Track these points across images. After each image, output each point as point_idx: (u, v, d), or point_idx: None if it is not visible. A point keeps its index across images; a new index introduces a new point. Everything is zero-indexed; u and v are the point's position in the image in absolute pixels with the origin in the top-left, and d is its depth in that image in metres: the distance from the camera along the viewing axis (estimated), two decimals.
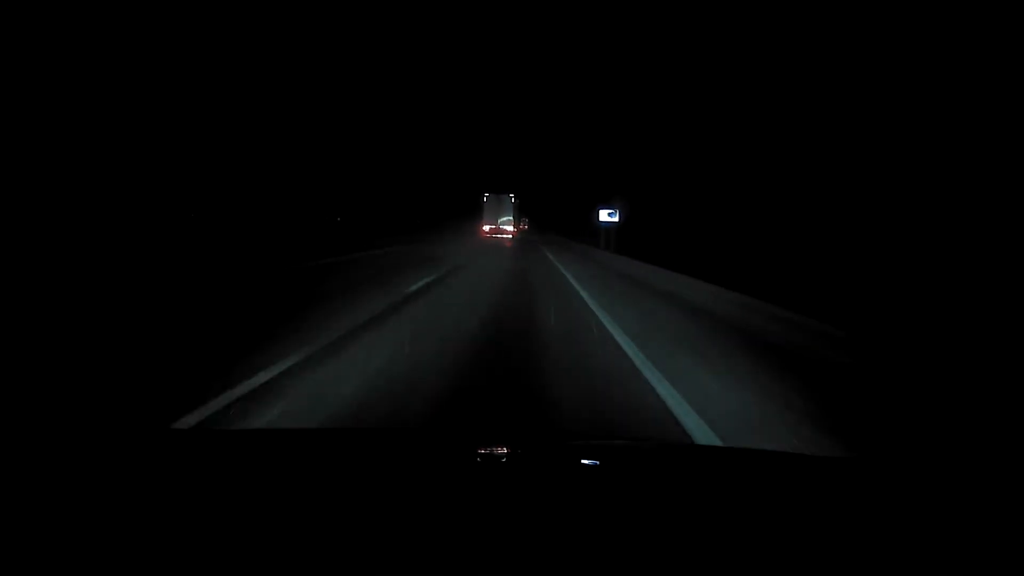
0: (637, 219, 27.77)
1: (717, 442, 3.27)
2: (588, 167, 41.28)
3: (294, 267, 12.63)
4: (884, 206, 12.29)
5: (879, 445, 3.34)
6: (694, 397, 4.09)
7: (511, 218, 31.83)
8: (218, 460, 1.18)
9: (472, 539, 0.84)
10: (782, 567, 0.81)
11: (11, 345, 4.89)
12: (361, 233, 22.89)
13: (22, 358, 4.53)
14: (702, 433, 3.40)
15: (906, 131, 11.55)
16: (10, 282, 8.40)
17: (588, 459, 1.36)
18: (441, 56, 46.57)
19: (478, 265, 15.67)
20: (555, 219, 46.74)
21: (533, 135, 67.24)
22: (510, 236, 30.49)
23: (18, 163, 11.30)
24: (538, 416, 3.71)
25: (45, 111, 11.93)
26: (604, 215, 27.00)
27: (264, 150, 20.12)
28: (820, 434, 3.48)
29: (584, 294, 9.94)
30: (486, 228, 30.75)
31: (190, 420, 3.24)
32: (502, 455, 1.37)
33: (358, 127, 30.18)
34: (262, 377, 4.10)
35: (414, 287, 9.75)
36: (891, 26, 11.80)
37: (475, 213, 33.83)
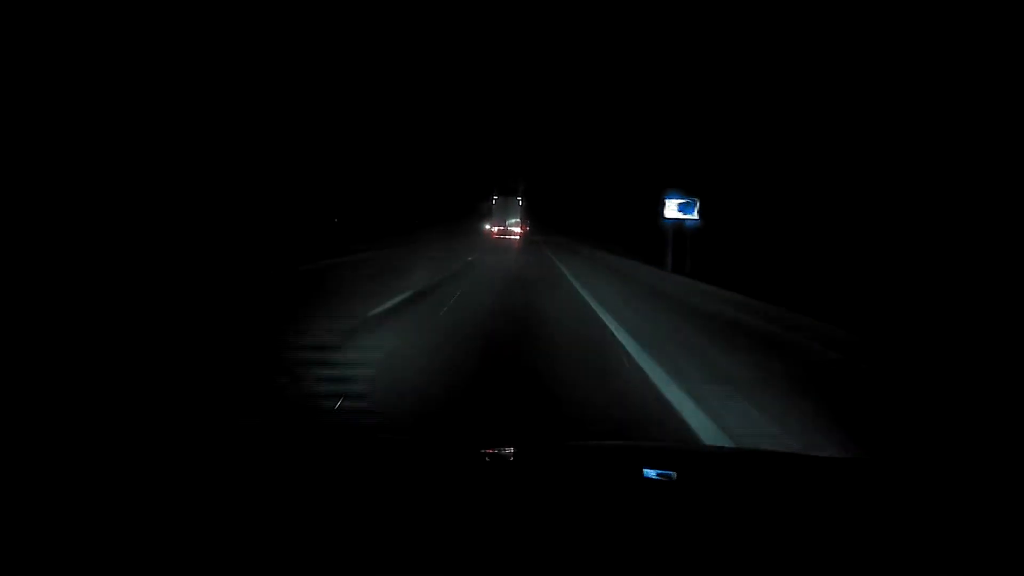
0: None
1: None
2: (597, 162, 38.66)
3: None
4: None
5: (879, 446, 3.20)
6: None
7: (518, 220, 32.44)
8: (225, 460, 1.18)
9: (478, 541, 0.84)
10: (785, 567, 0.82)
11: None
12: (335, 237, 19.20)
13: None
14: None
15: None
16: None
17: (592, 460, 1.35)
18: (441, 50, 47.70)
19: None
20: (563, 219, 42.34)
21: (540, 127, 62.76)
22: (517, 237, 31.48)
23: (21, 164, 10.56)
24: None
25: (44, 111, 11.21)
26: (672, 209, 16.46)
27: (259, 147, 19.38)
28: None
29: None
30: (495, 229, 32.00)
31: None
32: (507, 456, 1.38)
33: (357, 124, 30.70)
34: None
35: None
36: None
37: (476, 212, 34.04)
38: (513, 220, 32.61)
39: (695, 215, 16.16)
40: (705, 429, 3.41)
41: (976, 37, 10.78)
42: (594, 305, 8.67)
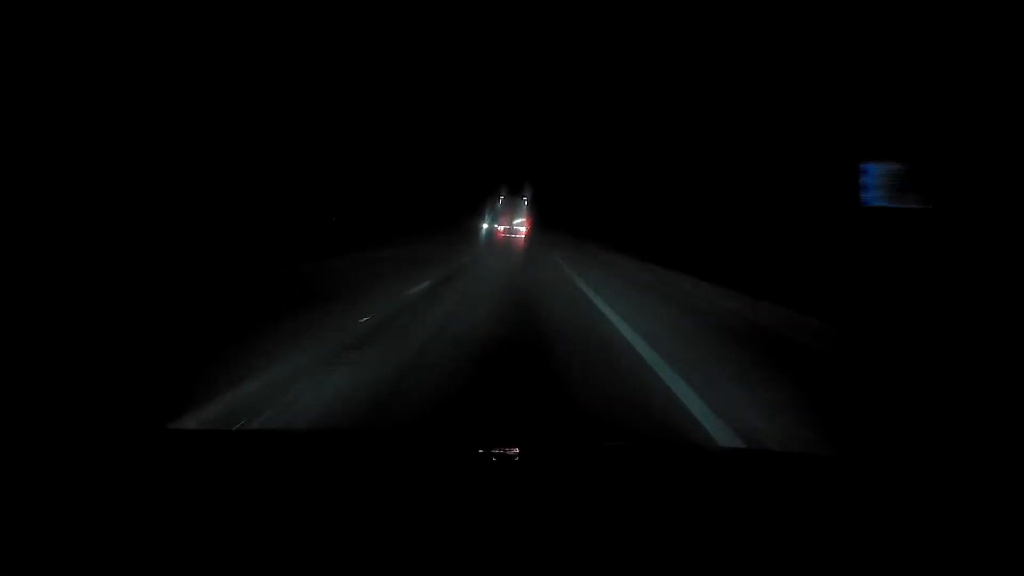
0: None
1: None
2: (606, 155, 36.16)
3: None
4: None
5: (878, 445, 3.06)
6: None
7: (524, 220, 32.72)
8: (223, 461, 1.16)
9: (480, 541, 0.84)
10: (785, 567, 0.83)
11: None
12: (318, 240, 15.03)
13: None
14: None
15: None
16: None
17: (594, 460, 1.34)
18: (439, 45, 42.73)
19: None
20: (577, 219, 38.83)
21: (546, 120, 61.05)
22: (523, 236, 31.27)
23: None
24: None
25: (39, 108, 11.02)
26: (881, 186, 7.19)
27: (254, 144, 18.28)
28: None
29: None
30: (500, 229, 32.28)
31: None
32: (512, 455, 1.35)
33: (357, 122, 28.57)
34: None
35: None
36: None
37: (475, 211, 34.87)
38: (519, 220, 32.51)
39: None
40: None
41: None
42: None
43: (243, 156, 17.99)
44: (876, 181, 7.09)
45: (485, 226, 32.23)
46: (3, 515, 0.85)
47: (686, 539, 0.90)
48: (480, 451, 1.35)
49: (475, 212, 35.24)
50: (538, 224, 35.57)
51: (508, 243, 27.58)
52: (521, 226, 32.02)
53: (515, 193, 33.98)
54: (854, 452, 2.94)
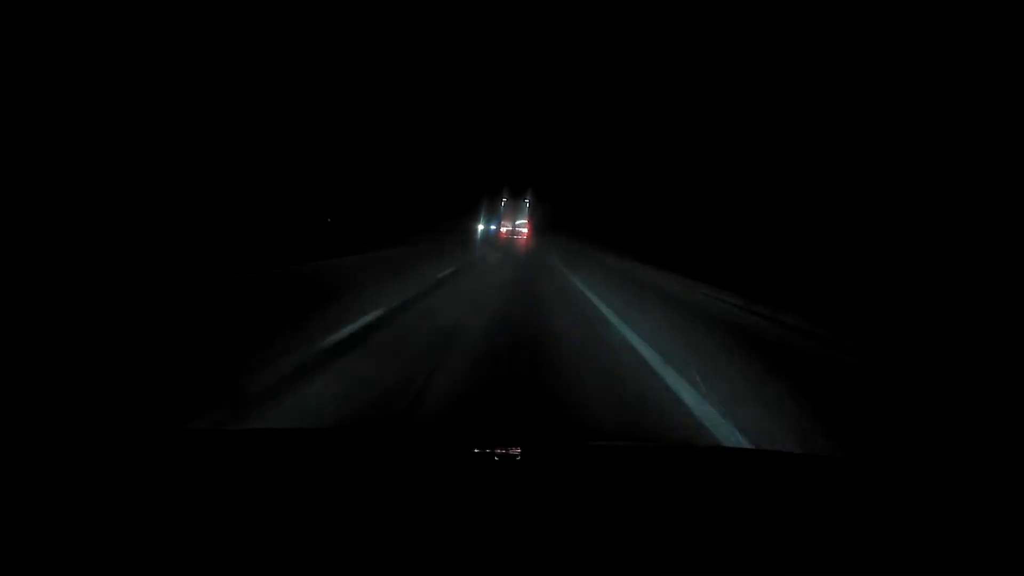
0: None
1: None
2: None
3: None
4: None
5: (878, 446, 3.13)
6: None
7: (526, 221, 33.36)
8: (224, 461, 1.16)
9: (481, 543, 0.84)
10: (786, 568, 0.83)
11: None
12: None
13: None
14: None
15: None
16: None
17: (596, 461, 1.33)
18: (441, 46, 43.49)
19: None
20: (573, 220, 38.90)
21: (545, 123, 64.91)
22: (525, 236, 32.20)
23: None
24: None
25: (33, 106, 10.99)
26: None
27: (252, 143, 18.27)
28: None
29: None
30: (503, 230, 32.93)
31: None
32: (513, 456, 1.35)
33: (353, 121, 28.49)
34: None
35: None
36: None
37: (477, 212, 34.81)
38: (521, 222, 33.10)
39: None
40: None
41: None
42: None
43: (240, 156, 17.68)
44: None
45: (481, 227, 31.97)
46: (10, 514, 0.85)
47: (688, 539, 0.90)
48: (481, 451, 1.35)
49: (477, 214, 35.29)
50: (540, 227, 35.92)
51: (509, 244, 27.90)
52: (523, 227, 32.67)
53: (517, 195, 34.49)
54: (854, 453, 2.97)
